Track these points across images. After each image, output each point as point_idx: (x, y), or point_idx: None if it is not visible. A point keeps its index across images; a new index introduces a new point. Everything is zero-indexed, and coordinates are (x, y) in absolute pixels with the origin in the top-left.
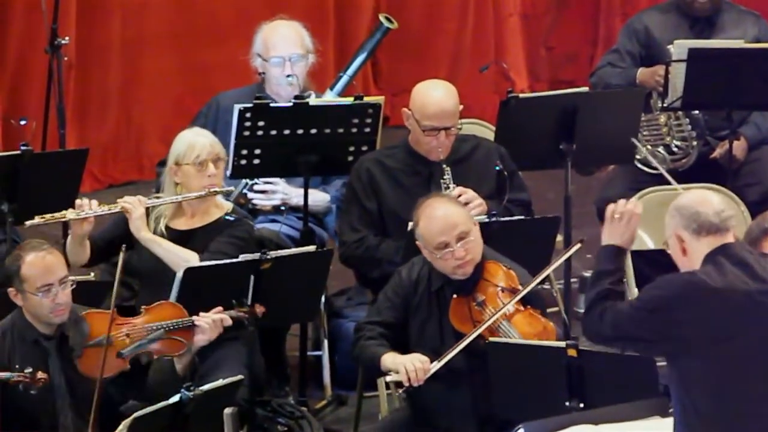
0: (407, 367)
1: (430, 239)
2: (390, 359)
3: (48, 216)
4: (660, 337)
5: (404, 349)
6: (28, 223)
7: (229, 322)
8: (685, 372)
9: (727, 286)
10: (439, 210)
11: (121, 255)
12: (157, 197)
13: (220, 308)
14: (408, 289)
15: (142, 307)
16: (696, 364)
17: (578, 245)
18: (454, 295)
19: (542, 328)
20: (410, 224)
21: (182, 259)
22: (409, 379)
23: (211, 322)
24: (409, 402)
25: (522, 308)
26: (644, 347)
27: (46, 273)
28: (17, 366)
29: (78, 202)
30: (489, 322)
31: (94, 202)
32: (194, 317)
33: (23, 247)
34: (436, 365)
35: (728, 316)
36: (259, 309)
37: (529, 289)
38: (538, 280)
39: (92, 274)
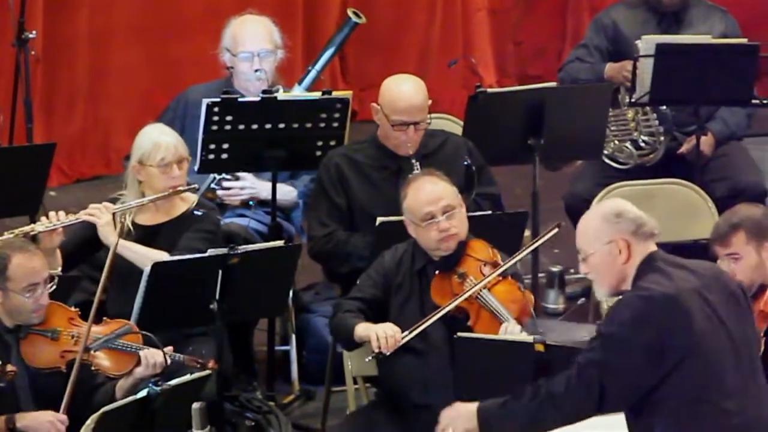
0: (378, 333)
1: (417, 210)
2: (362, 327)
3: (17, 231)
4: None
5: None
6: None
7: (164, 364)
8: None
9: (680, 290)
10: (428, 184)
11: (109, 258)
12: (122, 201)
13: (170, 348)
14: (390, 269)
15: (105, 318)
16: (680, 377)
17: (556, 229)
18: (436, 272)
19: (521, 296)
20: (378, 219)
21: (152, 260)
22: (379, 346)
23: (153, 361)
24: (385, 380)
25: (502, 279)
26: (637, 384)
27: (33, 273)
28: None
29: (51, 214)
30: (469, 292)
31: (62, 213)
32: (141, 349)
33: (9, 246)
34: (408, 335)
35: (691, 318)
36: (212, 364)
37: (510, 263)
38: (520, 255)
39: (59, 269)
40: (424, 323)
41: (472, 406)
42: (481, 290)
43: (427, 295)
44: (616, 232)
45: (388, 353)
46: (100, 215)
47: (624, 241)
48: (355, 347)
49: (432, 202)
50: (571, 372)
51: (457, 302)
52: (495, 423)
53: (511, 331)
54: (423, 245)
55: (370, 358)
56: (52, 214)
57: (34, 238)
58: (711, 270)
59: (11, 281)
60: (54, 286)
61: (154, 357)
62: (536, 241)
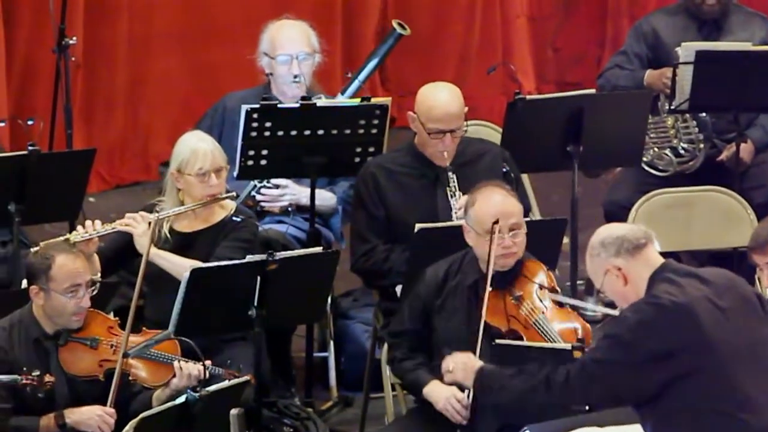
0: (448, 409)
1: (484, 220)
2: (434, 395)
3: (51, 241)
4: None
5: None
6: (33, 249)
7: (200, 376)
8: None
9: (690, 298)
10: (498, 195)
11: (141, 270)
12: (161, 207)
13: (209, 362)
14: (428, 294)
15: (144, 328)
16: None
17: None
18: (490, 288)
19: (579, 325)
20: (417, 226)
21: (187, 269)
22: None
23: (188, 373)
24: (426, 401)
25: (559, 307)
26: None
27: (76, 274)
28: (22, 366)
29: (88, 223)
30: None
31: (98, 223)
32: (177, 360)
33: (53, 247)
34: (470, 396)
35: (701, 326)
36: (251, 379)
37: (572, 301)
38: (590, 306)
39: (98, 274)
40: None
41: (477, 364)
42: (537, 315)
43: (476, 310)
44: (603, 262)
45: (466, 422)
46: (136, 225)
47: (614, 267)
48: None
49: (502, 216)
50: (573, 365)
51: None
52: (488, 388)
53: None
54: (479, 255)
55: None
56: (88, 223)
57: (72, 227)
58: (723, 277)
59: (53, 281)
60: (96, 291)
61: (189, 369)
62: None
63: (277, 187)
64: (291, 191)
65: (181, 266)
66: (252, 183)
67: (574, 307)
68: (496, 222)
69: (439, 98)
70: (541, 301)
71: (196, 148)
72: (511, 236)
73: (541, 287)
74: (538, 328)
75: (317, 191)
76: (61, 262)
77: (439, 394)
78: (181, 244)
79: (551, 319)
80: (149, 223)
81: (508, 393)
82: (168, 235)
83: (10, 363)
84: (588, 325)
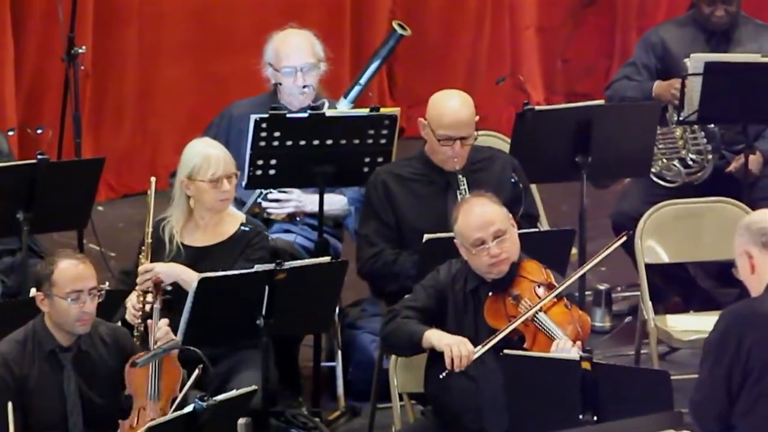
0: (453, 351)
1: (467, 235)
2: (435, 336)
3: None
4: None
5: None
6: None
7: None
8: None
9: None
10: (477, 207)
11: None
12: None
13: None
14: (446, 283)
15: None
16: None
17: (623, 238)
18: (489, 293)
19: (579, 319)
20: (425, 237)
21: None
22: (452, 362)
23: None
24: (436, 401)
25: (557, 300)
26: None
27: (77, 279)
28: (31, 383)
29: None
30: (525, 316)
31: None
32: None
33: (58, 254)
34: (481, 350)
35: None
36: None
37: (568, 283)
38: (580, 273)
39: (107, 283)
40: (492, 340)
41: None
42: (537, 313)
43: (481, 316)
44: (741, 243)
45: (459, 371)
46: (156, 271)
47: (746, 253)
48: (413, 353)
49: (482, 228)
50: None
51: (514, 325)
52: None
53: (563, 348)
54: (474, 268)
55: (442, 376)
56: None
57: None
58: None
59: (56, 286)
60: (102, 298)
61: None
62: (604, 251)
63: (283, 192)
64: (297, 198)
65: None
66: (258, 191)
67: (570, 297)
68: (482, 243)
69: (450, 105)
70: (539, 297)
71: (208, 154)
72: (496, 244)
73: (540, 285)
74: (538, 325)
75: (327, 195)
76: (63, 267)
77: (446, 335)
78: (195, 258)
79: (551, 313)
80: (155, 231)
81: None
82: (181, 249)
83: (19, 379)
84: (587, 318)
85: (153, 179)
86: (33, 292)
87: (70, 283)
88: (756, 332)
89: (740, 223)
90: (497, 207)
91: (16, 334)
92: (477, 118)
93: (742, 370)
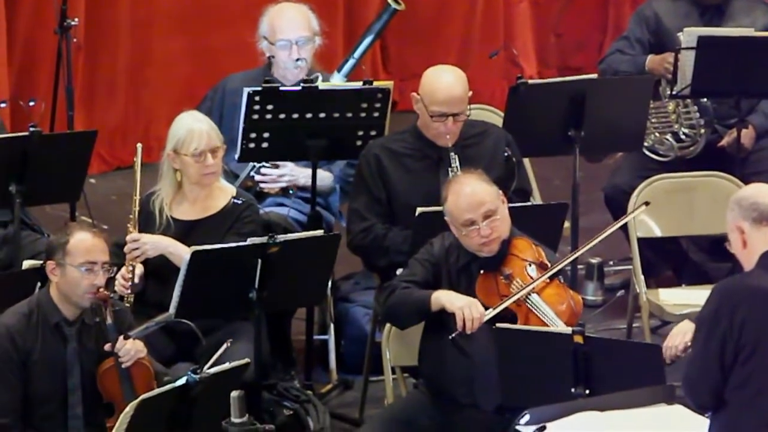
0: (465, 313)
1: (457, 216)
2: (445, 297)
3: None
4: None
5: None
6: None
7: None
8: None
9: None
10: (467, 187)
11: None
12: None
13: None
14: (440, 256)
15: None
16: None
17: (643, 206)
18: (481, 271)
19: (571, 300)
20: (417, 210)
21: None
22: (464, 325)
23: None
24: (428, 374)
25: (549, 281)
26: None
27: (92, 251)
28: (35, 355)
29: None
30: (517, 296)
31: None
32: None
33: (73, 225)
34: (492, 312)
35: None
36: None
37: (562, 265)
38: (582, 251)
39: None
40: (500, 305)
41: None
42: (530, 294)
43: (472, 293)
44: (733, 218)
45: (469, 333)
46: (144, 247)
47: (737, 228)
48: (420, 320)
49: (472, 209)
50: None
51: (506, 304)
52: None
53: None
54: (466, 246)
55: (452, 336)
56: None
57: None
58: None
59: (69, 255)
60: (113, 273)
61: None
62: (623, 219)
63: (276, 167)
64: (290, 172)
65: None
66: (250, 164)
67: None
68: (472, 223)
69: (443, 81)
70: (531, 277)
71: (192, 128)
72: (487, 224)
73: (531, 264)
74: (530, 306)
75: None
76: (80, 238)
77: (456, 296)
78: (185, 231)
79: (543, 295)
80: (143, 205)
81: None
82: (171, 222)
83: (23, 352)
84: (579, 298)
85: (139, 146)
86: (26, 264)
87: (85, 253)
88: (748, 307)
89: (731, 198)
90: (487, 186)
91: (20, 306)
92: (470, 93)
93: (734, 345)
